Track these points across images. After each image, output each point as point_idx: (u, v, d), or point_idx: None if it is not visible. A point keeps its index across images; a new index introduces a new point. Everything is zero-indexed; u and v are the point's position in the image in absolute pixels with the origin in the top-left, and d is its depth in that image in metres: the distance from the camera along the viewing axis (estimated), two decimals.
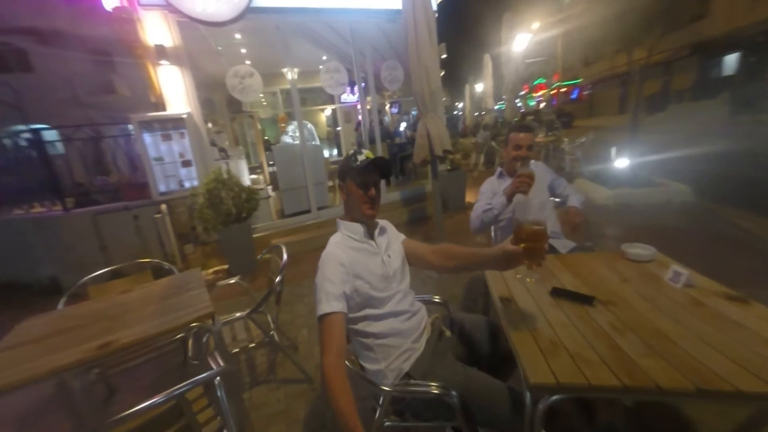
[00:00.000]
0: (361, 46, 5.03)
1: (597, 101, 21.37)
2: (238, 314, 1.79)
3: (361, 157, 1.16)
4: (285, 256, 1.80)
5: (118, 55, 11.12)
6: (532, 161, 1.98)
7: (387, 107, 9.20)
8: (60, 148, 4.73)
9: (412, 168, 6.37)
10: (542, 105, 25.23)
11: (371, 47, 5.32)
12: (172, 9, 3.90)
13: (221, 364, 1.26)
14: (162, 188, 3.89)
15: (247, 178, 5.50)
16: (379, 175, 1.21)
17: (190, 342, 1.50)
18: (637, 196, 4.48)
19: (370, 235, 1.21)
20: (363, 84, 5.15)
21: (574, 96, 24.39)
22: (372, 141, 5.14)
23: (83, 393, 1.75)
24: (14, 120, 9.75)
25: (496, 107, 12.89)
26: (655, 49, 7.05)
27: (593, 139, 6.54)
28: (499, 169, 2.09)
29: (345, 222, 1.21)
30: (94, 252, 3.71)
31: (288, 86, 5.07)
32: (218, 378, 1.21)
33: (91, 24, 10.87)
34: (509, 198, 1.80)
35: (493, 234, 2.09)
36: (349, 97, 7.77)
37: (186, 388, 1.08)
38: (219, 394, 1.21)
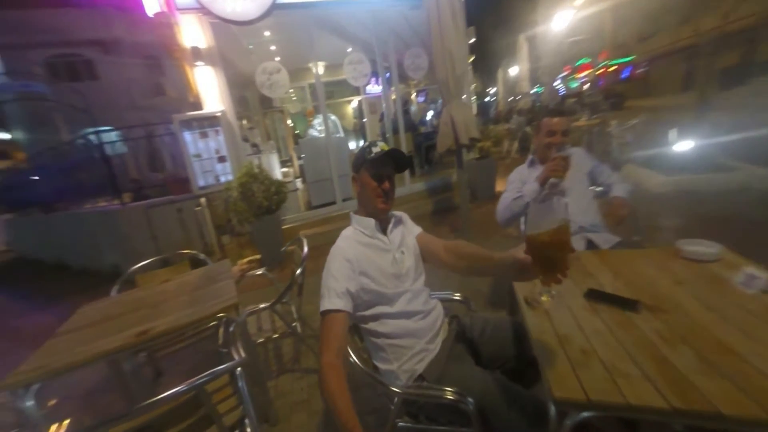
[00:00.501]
0: (384, 34, 4.92)
1: (654, 79, 19.21)
2: (262, 305, 1.85)
3: (376, 149, 1.12)
4: (306, 249, 1.82)
5: (163, 59, 12.00)
6: (571, 148, 1.82)
7: (413, 96, 8.99)
8: (120, 147, 5.21)
9: (438, 157, 6.19)
10: (586, 86, 23.23)
11: (394, 35, 5.19)
12: (205, 11, 4.06)
13: (242, 354, 1.30)
14: (201, 183, 4.13)
15: (278, 172, 5.68)
16: (395, 168, 1.16)
17: (221, 330, 1.58)
18: (702, 182, 3.92)
19: (383, 230, 1.17)
20: (387, 74, 5.05)
21: (625, 75, 22.15)
22: (395, 131, 5.05)
23: (133, 375, 1.93)
24: (84, 123, 10.92)
25: (533, 91, 12.10)
26: (731, 16, 6.12)
27: (647, 120, 5.90)
28: (530, 157, 1.94)
29: (357, 216, 1.18)
30: (147, 242, 4.06)
31: (313, 81, 5.11)
32: (239, 369, 1.25)
33: (141, 31, 11.80)
34: (542, 184, 1.68)
35: (522, 227, 1.95)
36: (374, 88, 7.70)
37: (204, 379, 1.12)
38: (240, 384, 1.25)
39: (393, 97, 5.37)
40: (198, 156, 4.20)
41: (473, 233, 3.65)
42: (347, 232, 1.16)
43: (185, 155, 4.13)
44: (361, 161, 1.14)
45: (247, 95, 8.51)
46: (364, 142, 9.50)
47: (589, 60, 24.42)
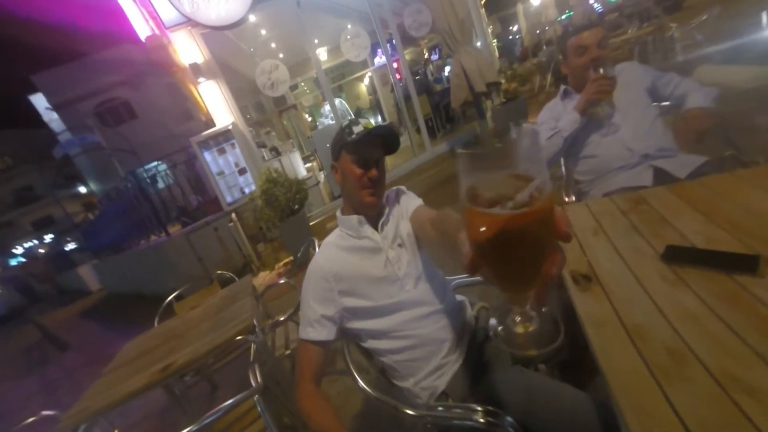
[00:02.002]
0: None
1: None
2: (282, 317, 1.75)
3: (357, 128, 0.89)
4: (318, 249, 1.67)
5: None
6: (618, 64, 1.40)
7: (426, 57, 8.31)
8: (167, 178, 5.57)
9: (460, 113, 5.69)
10: None
11: None
12: (192, 23, 4.00)
13: (258, 380, 1.22)
14: (229, 199, 4.23)
15: (302, 168, 5.65)
16: (383, 149, 0.92)
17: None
18: None
19: (374, 224, 0.94)
20: (389, 41, 4.62)
21: None
22: (408, 98, 4.66)
23: (185, 395, 2.00)
24: (133, 163, 12.03)
25: (562, 17, 10.50)
26: None
27: (720, 13, 4.76)
28: (563, 88, 1.53)
29: (341, 216, 0.96)
30: (194, 264, 4.32)
31: (322, 67, 4.89)
32: (256, 396, 1.17)
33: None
34: (583, 111, 1.33)
35: (564, 170, 1.59)
36: (381, 59, 7.25)
37: (213, 417, 1.06)
38: (259, 409, 1.18)
39: (396, 65, 4.96)
40: (221, 173, 4.29)
41: None
42: (330, 237, 0.96)
43: (209, 175, 4.23)
44: (340, 145, 0.92)
45: (262, 99, 8.58)
46: (382, 117, 9.23)
47: None
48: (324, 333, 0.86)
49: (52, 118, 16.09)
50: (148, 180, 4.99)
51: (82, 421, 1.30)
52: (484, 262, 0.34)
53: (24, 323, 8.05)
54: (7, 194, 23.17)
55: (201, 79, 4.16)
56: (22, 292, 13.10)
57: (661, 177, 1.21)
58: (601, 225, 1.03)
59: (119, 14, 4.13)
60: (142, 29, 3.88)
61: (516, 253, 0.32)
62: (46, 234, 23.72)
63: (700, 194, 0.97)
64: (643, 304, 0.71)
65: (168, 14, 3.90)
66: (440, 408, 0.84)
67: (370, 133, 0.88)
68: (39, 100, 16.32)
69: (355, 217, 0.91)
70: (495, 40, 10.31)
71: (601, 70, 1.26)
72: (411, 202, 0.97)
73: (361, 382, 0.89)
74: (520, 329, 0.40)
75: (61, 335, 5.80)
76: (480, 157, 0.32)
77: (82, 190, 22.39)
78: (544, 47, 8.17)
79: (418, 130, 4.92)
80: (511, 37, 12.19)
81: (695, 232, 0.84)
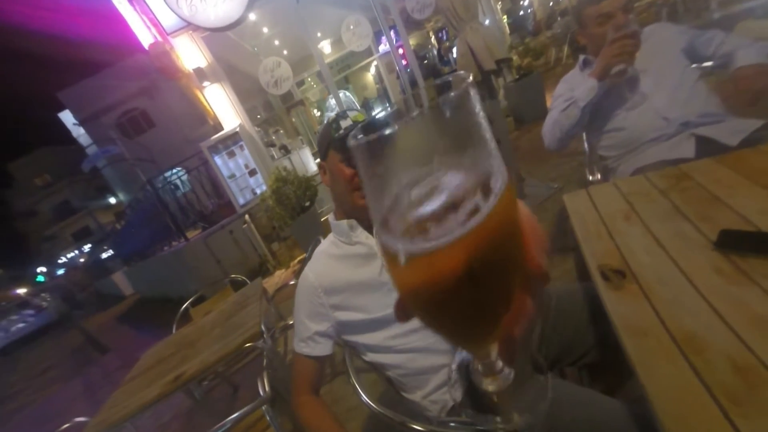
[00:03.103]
0: None
1: None
2: (292, 321, 1.71)
3: (345, 123, 0.80)
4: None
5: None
6: (646, 27, 1.22)
7: (433, 40, 8.03)
8: (186, 184, 5.69)
9: None
10: None
11: None
12: (193, 27, 3.99)
13: (267, 389, 1.18)
14: (241, 201, 4.26)
15: (312, 164, 5.62)
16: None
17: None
18: None
19: (368, 228, 0.84)
20: (393, 27, 4.44)
21: None
22: (415, 84, 4.49)
23: (205, 398, 2.02)
24: (152, 172, 12.45)
25: None
26: None
27: None
28: (581, 58, 1.37)
29: (333, 221, 0.87)
30: (213, 267, 4.40)
31: (327, 61, 4.79)
32: (264, 406, 1.13)
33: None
34: (602, 77, 1.17)
35: (586, 145, 1.44)
36: (385, 47, 7.07)
37: (221, 430, 1.02)
38: (268, 419, 1.14)
39: (401, 51, 4.78)
40: (232, 176, 4.31)
41: (524, 164, 3.07)
42: (323, 245, 0.89)
43: (221, 178, 4.27)
44: (327, 142, 0.82)
45: (270, 97, 8.59)
46: (390, 106, 8.99)
47: None
48: (318, 349, 0.80)
49: (79, 133, 16.93)
50: (166, 188, 5.11)
51: None
52: (415, 310, 0.22)
53: (70, 328, 8.64)
54: (49, 209, 24.83)
55: (206, 83, 4.17)
56: (66, 299, 14.08)
57: (706, 147, 1.04)
58: (634, 208, 0.88)
59: (123, 24, 4.18)
60: (145, 37, 3.91)
61: (456, 303, 0.19)
62: (85, 244, 25.29)
63: (759, 164, 0.81)
64: (694, 306, 0.58)
65: (168, 20, 3.90)
66: (452, 423, 0.75)
67: (362, 127, 0.78)
68: (67, 117, 17.19)
69: (345, 222, 0.82)
70: (505, 17, 9.80)
71: (623, 29, 1.09)
72: None
73: (364, 397, 0.82)
74: (488, 386, 0.26)
75: (101, 339, 6.15)
76: (383, 144, 0.17)
77: (112, 200, 23.58)
78: (559, 19, 7.69)
79: None
80: (522, 12, 11.54)
81: (758, 211, 0.69)
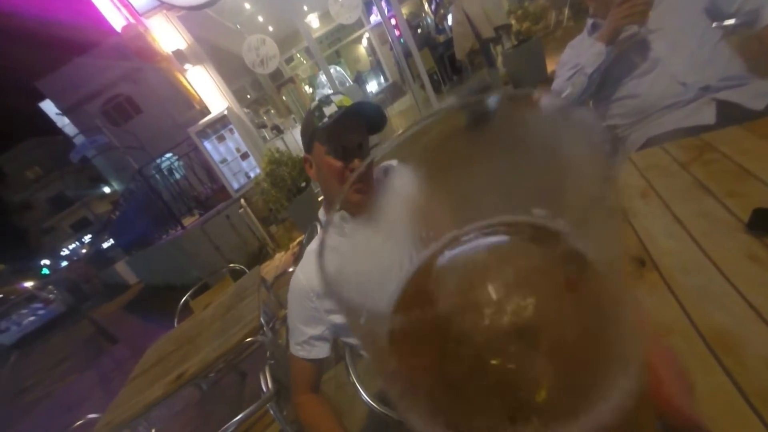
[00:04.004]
0: None
1: None
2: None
3: (329, 109, 0.72)
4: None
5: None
6: None
7: (426, 7, 7.59)
8: (180, 169, 5.55)
9: (467, 63, 5.23)
10: None
11: None
12: (167, 6, 3.72)
13: (269, 385, 1.16)
14: (235, 185, 4.16)
15: None
16: (366, 130, 0.75)
17: None
18: None
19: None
20: None
21: None
22: (409, 55, 4.27)
23: (213, 389, 2.04)
24: (144, 159, 12.17)
25: None
26: None
27: None
28: (589, 22, 1.24)
29: (322, 217, 0.81)
30: (212, 253, 4.38)
31: (316, 35, 4.52)
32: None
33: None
34: (610, 41, 1.07)
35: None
36: (377, 17, 6.71)
37: None
38: (273, 414, 1.14)
39: (393, 21, 4.50)
40: (224, 161, 4.19)
41: None
42: (314, 243, 0.84)
43: (212, 164, 4.15)
44: (310, 133, 0.74)
45: (258, 76, 8.24)
46: (384, 78, 8.71)
47: None
48: (315, 352, 0.78)
49: (64, 123, 16.40)
50: (157, 175, 4.98)
51: None
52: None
53: (80, 319, 8.80)
54: (44, 202, 24.60)
55: (187, 66, 3.94)
56: (72, 291, 14.25)
57: (729, 112, 0.95)
58: (652, 185, 0.81)
59: (93, 6, 3.89)
60: (116, 19, 3.65)
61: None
62: (84, 235, 25.30)
63: None
64: (724, 298, 0.53)
65: (139, 0, 3.62)
66: None
67: (347, 114, 0.69)
68: (49, 107, 16.58)
69: (338, 215, 0.75)
70: None
71: None
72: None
73: (365, 396, 0.80)
74: None
75: (109, 329, 6.25)
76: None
77: (107, 190, 23.33)
78: None
79: (423, 87, 4.57)
80: None
81: None
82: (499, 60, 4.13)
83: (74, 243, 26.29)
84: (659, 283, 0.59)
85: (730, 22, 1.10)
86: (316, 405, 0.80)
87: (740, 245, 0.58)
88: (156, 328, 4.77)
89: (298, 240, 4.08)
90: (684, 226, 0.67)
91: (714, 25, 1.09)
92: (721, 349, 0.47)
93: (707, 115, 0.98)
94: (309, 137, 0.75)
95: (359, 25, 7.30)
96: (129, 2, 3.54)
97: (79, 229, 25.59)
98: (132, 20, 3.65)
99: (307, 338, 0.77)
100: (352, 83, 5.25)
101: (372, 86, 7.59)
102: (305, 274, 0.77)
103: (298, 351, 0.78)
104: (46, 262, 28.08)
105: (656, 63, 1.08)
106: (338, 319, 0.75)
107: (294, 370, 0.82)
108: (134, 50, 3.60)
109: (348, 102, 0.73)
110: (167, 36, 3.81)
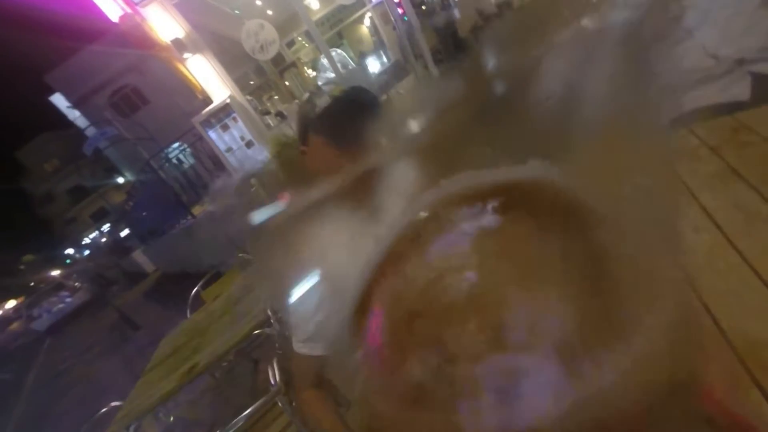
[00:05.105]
0: None
1: None
2: None
3: (322, 100, 0.67)
4: None
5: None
6: None
7: None
8: (184, 160, 5.61)
9: (472, 39, 4.99)
10: None
11: None
12: None
13: (277, 379, 1.17)
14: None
15: None
16: (362, 114, 0.70)
17: None
18: None
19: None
20: None
21: None
22: (412, 34, 4.09)
23: (226, 376, 2.10)
24: (154, 149, 12.27)
25: None
26: None
27: None
28: None
29: None
30: (224, 240, 4.44)
31: (316, 17, 4.37)
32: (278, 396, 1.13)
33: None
34: None
35: None
36: None
37: (233, 428, 1.02)
38: (281, 406, 1.15)
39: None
40: (229, 150, 4.18)
41: None
42: None
43: (218, 154, 4.14)
44: (304, 125, 0.71)
45: (261, 62, 8.10)
46: (387, 58, 8.41)
47: None
48: (318, 349, 0.77)
49: (75, 116, 16.62)
50: (167, 165, 5.03)
51: (127, 423, 1.37)
52: None
53: (104, 307, 9.20)
54: (64, 193, 25.45)
55: (187, 55, 3.87)
56: (94, 280, 14.87)
57: (767, 88, 0.86)
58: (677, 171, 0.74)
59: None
60: (112, 9, 3.57)
61: None
62: (103, 225, 26.19)
63: None
64: (759, 303, 0.47)
65: None
66: None
67: (341, 102, 0.65)
68: (59, 100, 16.79)
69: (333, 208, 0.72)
70: None
71: None
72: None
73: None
74: None
75: (132, 316, 6.53)
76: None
77: (121, 180, 23.89)
78: None
79: (426, 67, 4.40)
80: None
81: None
82: None
83: (94, 232, 27.31)
84: (690, 283, 0.54)
85: None
86: (318, 401, 0.81)
87: None
88: (174, 315, 4.95)
89: None
90: (713, 219, 0.60)
91: None
92: (754, 363, 0.42)
93: (742, 90, 0.89)
94: (303, 129, 0.72)
95: (361, 4, 7.02)
96: None
97: (98, 218, 26.48)
98: (128, 10, 3.57)
99: (312, 334, 0.77)
100: (354, 65, 5.08)
101: (375, 66, 7.38)
102: None
103: (301, 348, 0.79)
104: (71, 251, 29.34)
105: (685, 33, 0.98)
106: None
107: (297, 367, 0.83)
108: (133, 41, 3.55)
109: (342, 90, 0.68)
110: (164, 25, 3.73)
